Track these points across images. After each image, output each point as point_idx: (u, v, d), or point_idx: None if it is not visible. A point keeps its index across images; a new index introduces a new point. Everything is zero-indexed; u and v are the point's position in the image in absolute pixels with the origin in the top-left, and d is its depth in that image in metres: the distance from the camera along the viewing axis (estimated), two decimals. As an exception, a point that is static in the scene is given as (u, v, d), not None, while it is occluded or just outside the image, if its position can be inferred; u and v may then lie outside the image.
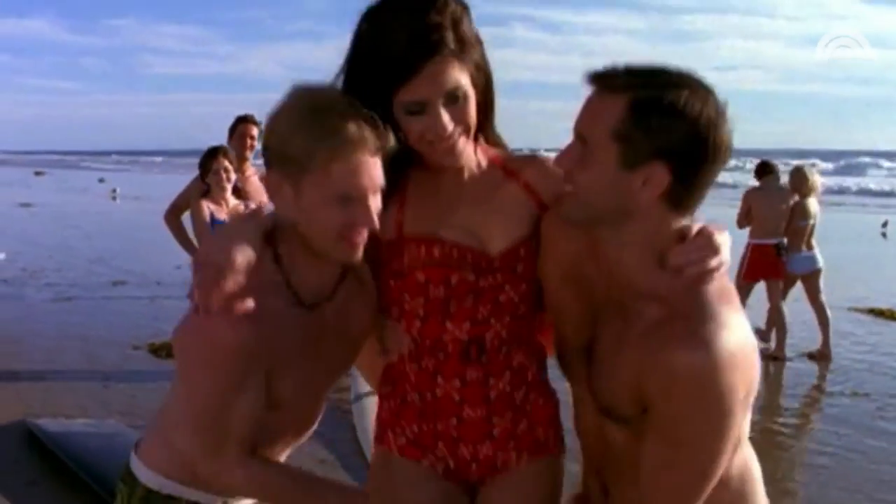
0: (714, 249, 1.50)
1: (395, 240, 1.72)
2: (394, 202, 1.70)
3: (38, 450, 4.74)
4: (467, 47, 1.62)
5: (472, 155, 1.74)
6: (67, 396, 5.83)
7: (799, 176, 7.84)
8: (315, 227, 1.61)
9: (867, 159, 57.29)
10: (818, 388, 6.61)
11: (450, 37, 1.58)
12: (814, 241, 7.85)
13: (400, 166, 1.67)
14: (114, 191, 28.02)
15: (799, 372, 7.13)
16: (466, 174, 1.75)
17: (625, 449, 1.58)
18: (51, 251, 13.29)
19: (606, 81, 1.48)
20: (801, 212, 7.67)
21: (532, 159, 1.81)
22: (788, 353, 7.55)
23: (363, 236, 1.61)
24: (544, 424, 1.80)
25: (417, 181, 1.75)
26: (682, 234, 1.53)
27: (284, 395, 1.67)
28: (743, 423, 1.54)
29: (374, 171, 1.59)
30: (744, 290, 7.27)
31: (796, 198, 7.70)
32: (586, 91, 1.51)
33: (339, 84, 1.69)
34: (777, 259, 7.59)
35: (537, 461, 1.80)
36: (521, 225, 1.72)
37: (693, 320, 1.45)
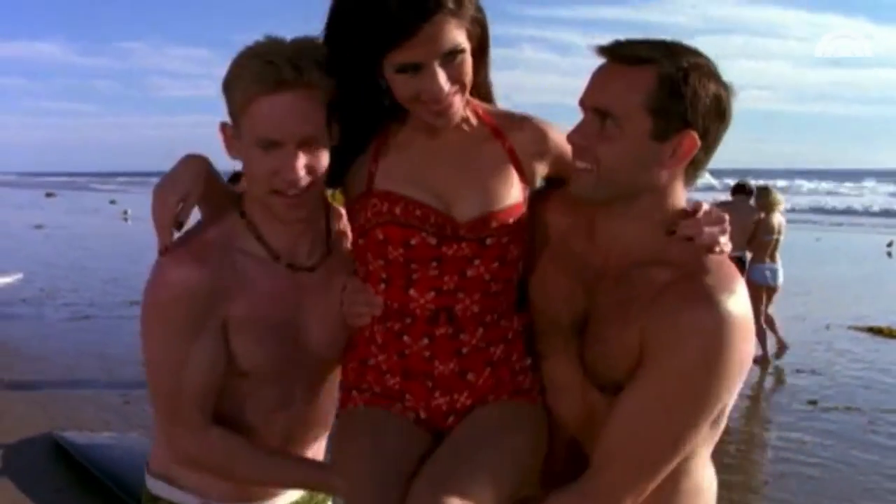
0: (723, 227, 1.56)
1: (363, 194, 1.63)
2: (368, 155, 1.64)
3: (64, 460, 5.00)
4: (465, 1, 1.51)
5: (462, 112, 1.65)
6: (89, 411, 6.10)
7: (763, 194, 8.48)
8: (251, 178, 1.59)
9: (872, 180, 57.42)
10: (813, 402, 6.80)
11: None
12: (777, 255, 8.39)
13: (377, 118, 1.63)
14: (125, 212, 28.33)
15: (796, 388, 7.33)
16: (451, 130, 1.64)
17: None
18: (66, 272, 13.59)
19: (627, 54, 1.48)
20: (766, 227, 8.27)
21: (523, 121, 1.70)
22: (786, 369, 7.84)
23: (295, 191, 1.56)
24: (528, 374, 1.67)
25: (396, 135, 1.65)
26: (685, 209, 1.57)
27: (252, 357, 1.62)
28: (728, 401, 1.52)
29: (294, 114, 1.52)
30: None
31: (762, 215, 8.28)
32: (597, 63, 1.50)
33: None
34: (739, 269, 7.82)
35: (518, 401, 1.66)
36: (497, 194, 1.62)
37: (707, 281, 1.47)
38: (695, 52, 1.49)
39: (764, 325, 8.11)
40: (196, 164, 1.63)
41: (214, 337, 1.59)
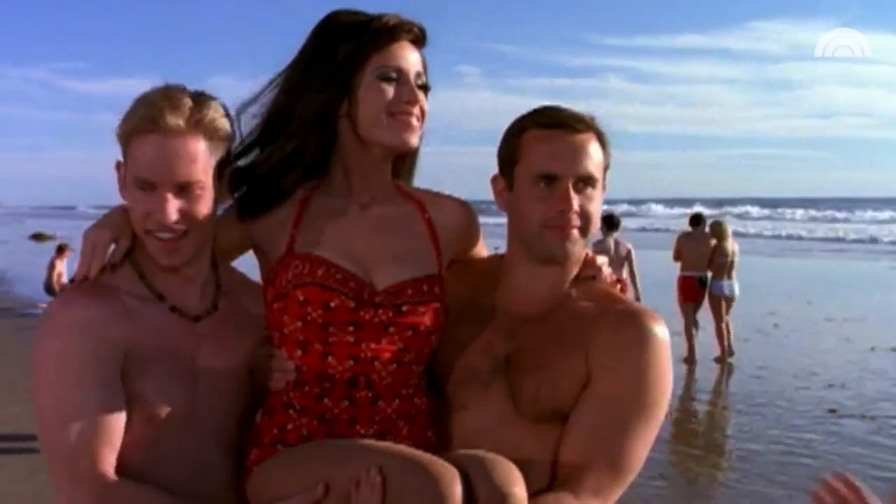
0: (606, 265, 1.79)
1: (284, 256, 1.66)
2: (288, 221, 1.68)
3: None
4: (426, 39, 1.73)
5: (389, 179, 1.76)
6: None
7: (715, 226, 10.66)
8: (132, 218, 1.57)
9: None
10: (832, 411, 7.65)
11: (416, 27, 1.69)
12: (734, 273, 10.26)
13: (295, 187, 1.69)
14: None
15: (822, 399, 8.12)
16: (375, 203, 1.72)
17: (537, 458, 1.61)
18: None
19: (579, 124, 1.65)
20: (721, 252, 10.31)
21: (443, 199, 1.81)
22: (818, 383, 8.73)
23: (168, 235, 1.54)
24: (431, 443, 1.68)
25: (320, 203, 1.70)
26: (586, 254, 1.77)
27: (158, 399, 1.56)
28: (663, 411, 1.64)
29: (173, 157, 1.51)
30: (682, 310, 10.46)
31: (715, 242, 10.17)
32: (548, 136, 1.63)
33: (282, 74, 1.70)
34: (699, 288, 10.22)
35: None
36: (414, 264, 1.68)
37: (634, 307, 1.69)
38: None
39: (723, 329, 10.17)
40: (128, 215, 1.60)
41: (114, 380, 1.51)
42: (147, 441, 1.55)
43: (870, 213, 52.47)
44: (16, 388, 7.75)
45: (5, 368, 8.95)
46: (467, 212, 1.82)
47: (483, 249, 1.90)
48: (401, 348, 1.64)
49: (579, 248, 1.67)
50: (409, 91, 1.65)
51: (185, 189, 1.53)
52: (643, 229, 36.40)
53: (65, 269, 13.84)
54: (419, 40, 1.70)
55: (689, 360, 9.88)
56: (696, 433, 7.44)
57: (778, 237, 35.27)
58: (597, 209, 1.66)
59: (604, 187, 1.69)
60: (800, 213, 54.74)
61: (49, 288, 13.98)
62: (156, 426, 1.56)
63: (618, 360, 1.61)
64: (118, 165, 1.59)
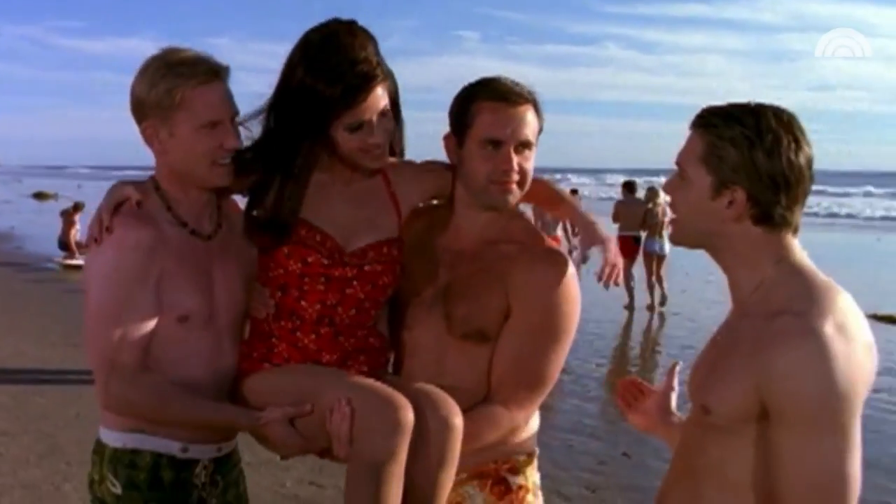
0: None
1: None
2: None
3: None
4: (387, 70, 1.90)
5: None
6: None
7: (648, 192, 12.58)
8: (191, 157, 1.87)
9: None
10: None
11: (378, 68, 1.87)
12: (664, 232, 11.90)
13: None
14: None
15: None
16: (354, 178, 2.01)
17: (460, 371, 1.95)
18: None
19: (519, 97, 1.95)
20: (652, 214, 12.14)
21: (403, 166, 2.08)
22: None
23: (230, 159, 1.89)
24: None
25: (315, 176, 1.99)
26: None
27: (185, 302, 1.89)
28: (570, 340, 1.98)
29: (226, 98, 1.89)
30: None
31: (650, 205, 12.25)
32: (494, 107, 1.93)
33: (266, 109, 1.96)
34: (634, 246, 11.66)
35: None
36: (379, 230, 1.98)
37: (549, 247, 2.01)
38: None
39: (654, 281, 11.94)
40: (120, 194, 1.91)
41: (150, 292, 1.84)
42: (177, 339, 1.89)
43: (865, 188, 52.22)
44: (47, 332, 8.43)
45: (34, 317, 9.62)
46: (422, 171, 2.12)
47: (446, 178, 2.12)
48: (360, 298, 1.97)
49: (516, 199, 1.98)
50: (375, 137, 1.90)
51: (233, 120, 1.96)
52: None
53: (79, 226, 14.32)
54: (386, 77, 1.91)
55: (630, 306, 11.72)
56: (652, 379, 8.27)
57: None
58: (531, 167, 1.96)
59: (536, 146, 1.99)
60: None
61: (65, 243, 14.57)
62: (184, 326, 1.89)
63: (532, 295, 1.92)
64: (147, 127, 1.89)
